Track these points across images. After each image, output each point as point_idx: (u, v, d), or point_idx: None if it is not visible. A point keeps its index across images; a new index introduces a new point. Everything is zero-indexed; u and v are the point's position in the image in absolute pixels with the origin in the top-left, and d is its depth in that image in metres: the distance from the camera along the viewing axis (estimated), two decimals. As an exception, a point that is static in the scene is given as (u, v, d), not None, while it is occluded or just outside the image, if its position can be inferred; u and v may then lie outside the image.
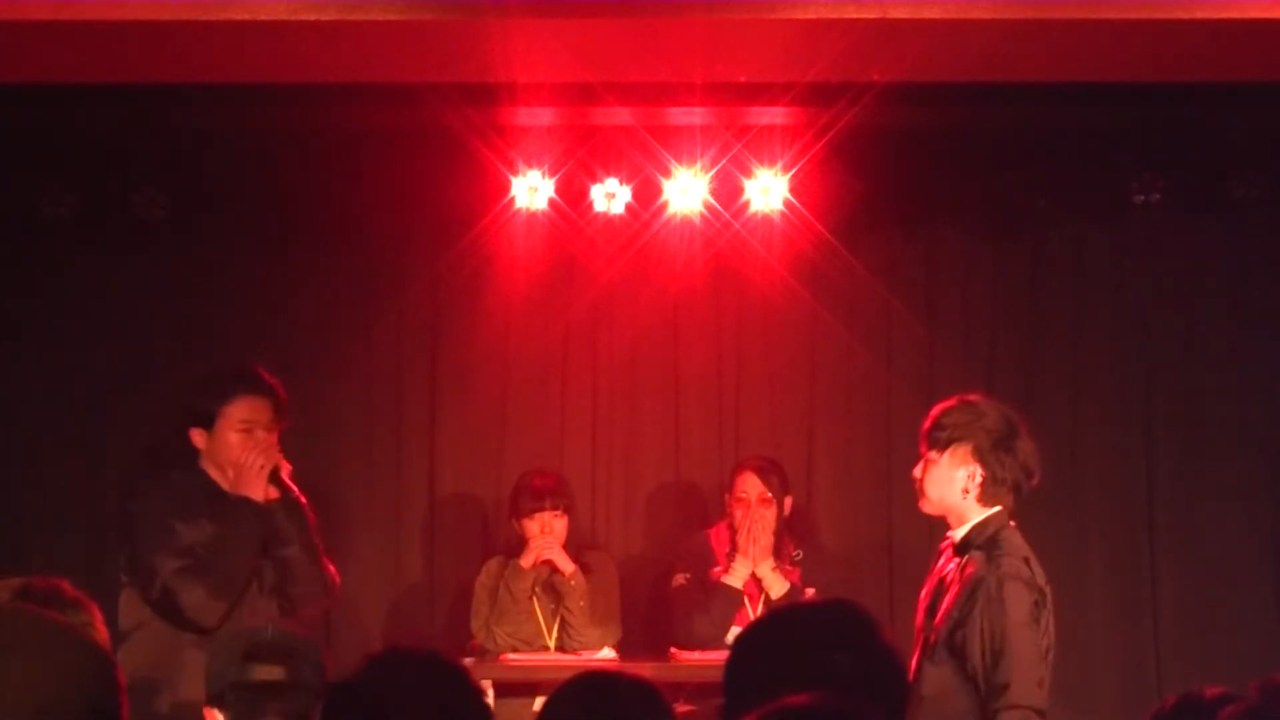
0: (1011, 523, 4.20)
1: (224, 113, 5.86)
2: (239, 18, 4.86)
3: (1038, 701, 3.98)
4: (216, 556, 4.27)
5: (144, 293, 6.60)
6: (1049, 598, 4.11)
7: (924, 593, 4.26)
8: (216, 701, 2.89)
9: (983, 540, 4.12)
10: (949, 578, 4.15)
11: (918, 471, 4.26)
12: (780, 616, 2.60)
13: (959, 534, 4.18)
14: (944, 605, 4.14)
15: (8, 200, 6.31)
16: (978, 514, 4.15)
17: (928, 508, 4.27)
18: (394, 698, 2.33)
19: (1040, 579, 4.10)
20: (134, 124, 6.03)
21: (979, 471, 4.15)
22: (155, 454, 4.48)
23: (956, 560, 4.16)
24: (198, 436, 4.40)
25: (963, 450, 4.16)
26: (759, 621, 2.61)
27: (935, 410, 4.26)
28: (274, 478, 4.41)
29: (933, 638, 4.14)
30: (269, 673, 2.83)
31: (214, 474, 4.41)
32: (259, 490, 4.33)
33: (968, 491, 4.15)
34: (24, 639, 2.03)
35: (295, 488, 4.49)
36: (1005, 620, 3.98)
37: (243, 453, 4.33)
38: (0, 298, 6.57)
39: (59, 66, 5.29)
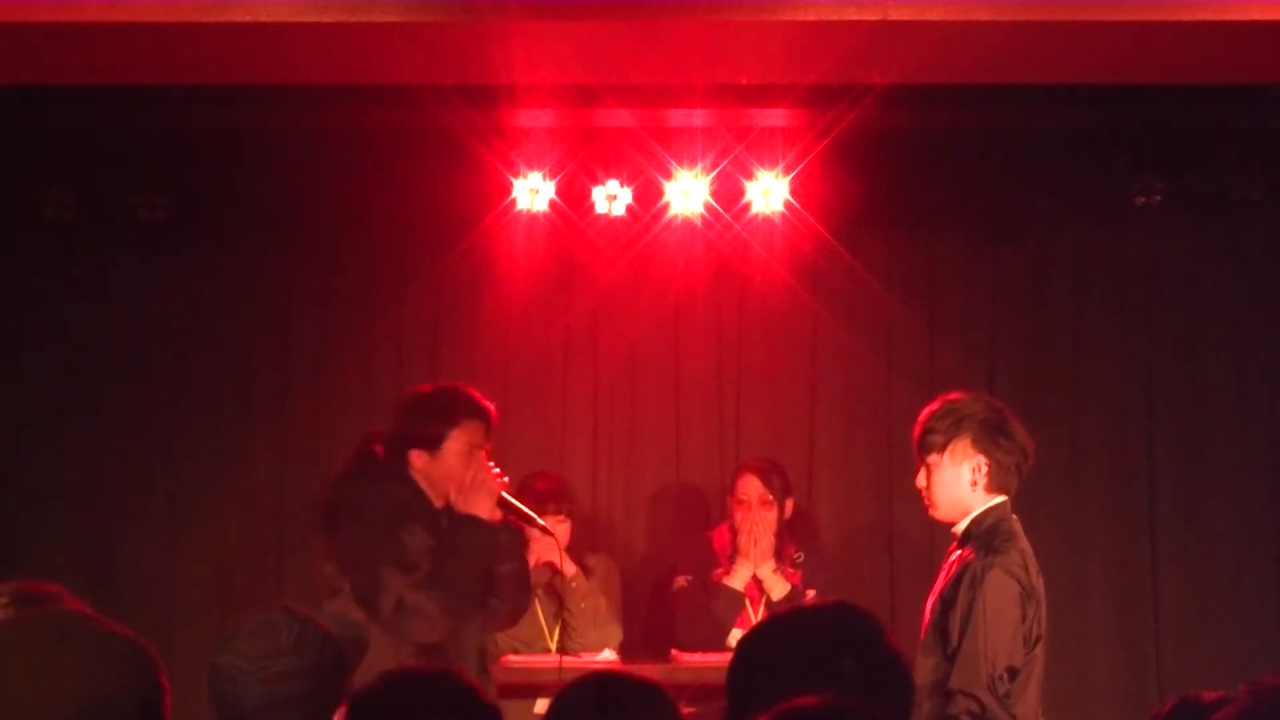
0: (1013, 515, 4.19)
1: (224, 114, 5.85)
2: (240, 19, 4.85)
3: (980, 691, 3.95)
4: (445, 573, 4.25)
5: (144, 294, 6.61)
6: (1039, 593, 4.10)
7: (928, 602, 4.25)
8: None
9: (981, 531, 4.12)
10: (950, 569, 4.15)
11: (921, 480, 4.24)
12: (784, 619, 2.58)
13: (961, 526, 4.18)
14: (935, 590, 4.15)
15: (8, 201, 6.31)
16: (982, 504, 4.15)
17: (938, 514, 4.24)
18: (411, 717, 2.34)
19: (1033, 574, 4.09)
20: (134, 125, 6.02)
21: (983, 462, 4.15)
22: (362, 470, 4.44)
23: (959, 552, 4.16)
24: (418, 458, 4.37)
25: (961, 445, 4.16)
26: (763, 624, 2.60)
27: (921, 417, 4.25)
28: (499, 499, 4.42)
29: (924, 626, 4.14)
30: None
31: (428, 491, 4.39)
32: (488, 509, 4.33)
33: (975, 484, 4.15)
34: (74, 639, 2.08)
35: (519, 505, 4.47)
36: (980, 604, 3.98)
37: (473, 474, 4.33)
38: (0, 298, 6.57)
39: (59, 67, 5.28)
